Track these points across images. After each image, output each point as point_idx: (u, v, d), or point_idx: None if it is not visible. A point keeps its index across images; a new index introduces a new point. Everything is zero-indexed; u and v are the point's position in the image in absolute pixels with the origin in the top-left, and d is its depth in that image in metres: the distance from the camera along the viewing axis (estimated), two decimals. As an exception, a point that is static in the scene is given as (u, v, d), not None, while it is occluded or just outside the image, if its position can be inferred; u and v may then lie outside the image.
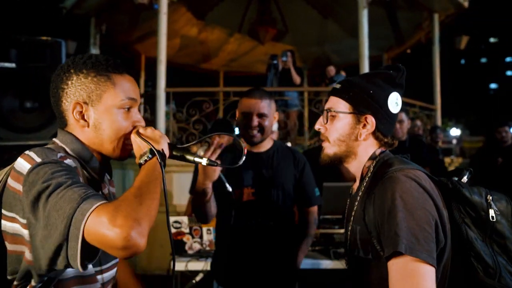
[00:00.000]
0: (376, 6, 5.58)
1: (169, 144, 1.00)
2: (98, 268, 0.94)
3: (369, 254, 1.00)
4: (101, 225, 0.73)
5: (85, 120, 0.94)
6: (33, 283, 0.84)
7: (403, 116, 3.42)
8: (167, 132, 4.99)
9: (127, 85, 0.97)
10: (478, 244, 0.98)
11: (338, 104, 1.10)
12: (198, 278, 2.49)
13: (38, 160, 0.84)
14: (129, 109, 0.97)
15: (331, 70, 6.45)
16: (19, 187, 0.83)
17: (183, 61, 8.56)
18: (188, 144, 1.11)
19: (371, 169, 1.08)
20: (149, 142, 0.93)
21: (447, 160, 6.00)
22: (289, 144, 3.67)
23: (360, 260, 1.04)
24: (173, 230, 2.44)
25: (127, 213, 0.74)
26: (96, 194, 0.80)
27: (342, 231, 2.48)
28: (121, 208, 0.75)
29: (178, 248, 2.47)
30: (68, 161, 0.88)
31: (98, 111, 0.94)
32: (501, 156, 4.22)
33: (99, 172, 0.98)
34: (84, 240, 0.75)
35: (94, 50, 6.44)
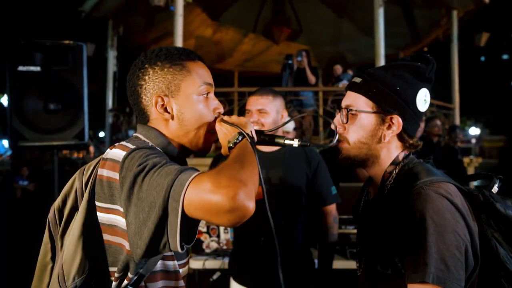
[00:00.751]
0: (392, 4, 5.52)
1: (256, 130, 0.98)
2: (178, 262, 0.92)
3: (388, 269, 0.91)
4: (203, 191, 0.68)
5: (168, 112, 0.92)
6: (129, 274, 0.81)
7: None
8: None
9: (201, 71, 0.96)
10: (510, 263, 0.88)
11: (358, 101, 0.98)
12: (215, 276, 2.52)
13: (133, 147, 0.83)
14: (207, 95, 0.96)
15: (338, 68, 6.40)
16: (115, 175, 0.80)
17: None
18: (272, 129, 1.11)
19: (393, 175, 0.97)
20: (237, 126, 0.91)
21: (466, 160, 5.87)
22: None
23: (377, 273, 0.95)
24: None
25: (230, 175, 0.70)
26: (192, 167, 0.77)
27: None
28: (223, 172, 0.71)
29: (196, 247, 2.51)
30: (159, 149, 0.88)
31: (179, 101, 0.92)
32: None
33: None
34: (184, 214, 0.71)
35: (112, 52, 6.58)
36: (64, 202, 0.93)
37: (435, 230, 0.82)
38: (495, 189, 0.97)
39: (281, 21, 7.23)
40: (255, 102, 1.77)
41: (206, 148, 0.97)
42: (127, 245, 0.79)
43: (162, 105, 0.92)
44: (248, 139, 0.89)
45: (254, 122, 1.74)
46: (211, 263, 2.43)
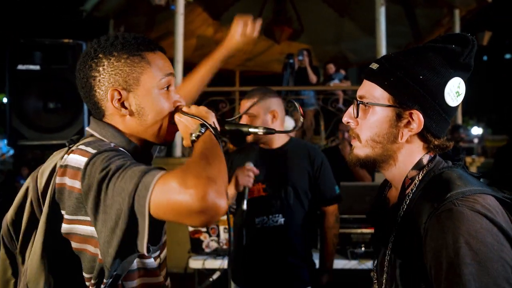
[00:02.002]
0: (394, 3, 5.49)
1: (217, 119, 0.92)
2: (153, 255, 0.89)
3: None
4: (170, 192, 0.64)
5: (126, 108, 0.86)
6: (104, 280, 0.78)
7: None
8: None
9: (161, 62, 0.88)
10: None
11: (373, 92, 0.83)
12: (215, 276, 2.51)
13: (93, 151, 0.77)
14: (168, 88, 0.89)
15: (331, 67, 6.41)
16: (76, 183, 0.76)
17: (199, 61, 8.59)
18: (235, 117, 1.09)
19: (417, 182, 0.82)
20: (198, 118, 0.85)
21: (468, 159, 5.84)
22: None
23: None
24: (190, 229, 2.47)
25: (197, 173, 0.65)
26: (157, 167, 0.72)
27: (359, 231, 2.45)
28: (190, 170, 0.66)
29: (195, 247, 2.50)
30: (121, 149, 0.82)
31: (138, 95, 0.85)
32: None
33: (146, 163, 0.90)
34: (151, 218, 0.67)
35: (113, 52, 6.58)
36: (18, 214, 0.86)
37: (473, 260, 0.66)
38: None
39: (282, 21, 7.21)
40: (243, 106, 1.77)
41: (170, 140, 0.93)
42: (99, 254, 0.76)
43: (119, 99, 0.85)
44: (212, 130, 0.83)
45: None
46: (211, 263, 2.42)
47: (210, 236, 2.54)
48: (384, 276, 0.85)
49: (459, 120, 6.27)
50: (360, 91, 0.86)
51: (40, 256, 0.79)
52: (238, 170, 1.70)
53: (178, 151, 4.66)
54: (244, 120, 1.75)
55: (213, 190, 0.64)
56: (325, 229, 1.91)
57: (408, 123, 0.81)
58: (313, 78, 5.63)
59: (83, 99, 0.90)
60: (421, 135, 0.82)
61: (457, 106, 0.83)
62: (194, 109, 0.89)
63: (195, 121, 0.86)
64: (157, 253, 0.92)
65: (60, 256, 0.80)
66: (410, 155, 0.84)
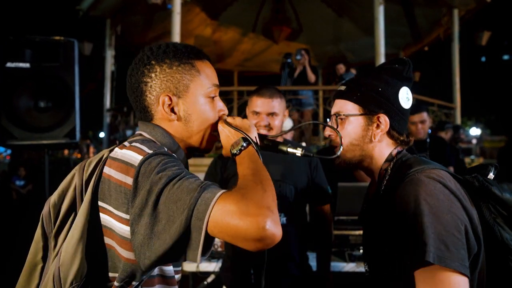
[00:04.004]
0: (392, 3, 5.46)
1: (258, 134, 0.97)
2: (174, 268, 0.90)
3: (395, 270, 0.90)
4: (230, 215, 0.67)
5: (175, 113, 0.89)
6: (134, 282, 0.79)
7: (425, 115, 3.31)
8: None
9: (209, 71, 0.93)
10: None
11: (346, 107, 1.04)
12: (209, 279, 2.46)
13: (150, 151, 0.78)
14: (213, 97, 0.93)
15: (341, 68, 6.33)
16: (126, 179, 0.76)
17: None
18: (276, 135, 1.08)
19: (389, 171, 1.00)
20: (241, 131, 0.89)
21: (466, 160, 5.82)
22: (303, 144, 3.61)
23: (384, 274, 0.95)
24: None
25: (257, 201, 0.68)
26: (213, 183, 0.75)
27: (357, 232, 2.41)
28: (249, 196, 0.69)
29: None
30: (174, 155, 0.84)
31: (187, 102, 0.89)
32: None
33: (185, 167, 0.92)
34: (206, 232, 0.69)
35: (110, 51, 6.53)
36: (61, 198, 0.87)
37: (430, 212, 0.83)
38: (490, 176, 0.97)
39: (281, 21, 7.18)
40: (267, 105, 1.72)
41: (209, 149, 0.95)
42: (125, 253, 0.77)
43: (169, 105, 0.88)
44: (254, 146, 0.87)
45: (264, 125, 1.71)
46: (206, 266, 2.37)
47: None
48: (369, 255, 1.02)
49: (458, 121, 6.25)
50: (335, 109, 1.07)
51: (77, 243, 0.79)
52: None
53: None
54: (266, 119, 1.71)
55: (272, 220, 0.67)
56: (321, 227, 1.88)
57: (378, 125, 1.01)
58: (311, 77, 5.58)
59: (132, 103, 0.93)
60: (389, 134, 1.03)
61: (410, 109, 1.04)
62: (238, 121, 0.94)
63: (238, 133, 0.89)
64: (179, 268, 0.94)
65: (95, 247, 0.80)
66: (382, 151, 1.04)
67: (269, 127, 1.71)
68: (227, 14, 7.43)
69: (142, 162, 0.76)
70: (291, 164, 1.79)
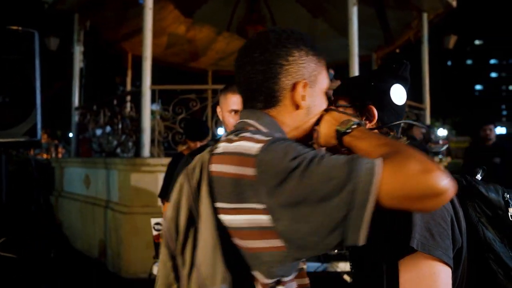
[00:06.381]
0: (366, 4, 5.55)
1: None
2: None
3: (376, 270, 0.89)
4: (413, 176, 0.62)
5: (304, 101, 0.85)
6: (285, 278, 0.74)
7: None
8: (153, 131, 4.86)
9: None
10: (497, 246, 0.90)
11: (338, 102, 1.04)
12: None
13: (267, 138, 0.73)
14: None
15: None
16: (245, 170, 0.70)
17: (171, 60, 8.40)
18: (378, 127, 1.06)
19: None
20: (347, 113, 0.89)
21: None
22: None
23: (365, 274, 0.95)
24: (154, 233, 2.33)
25: (423, 158, 0.64)
26: (358, 156, 0.69)
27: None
28: (411, 155, 0.65)
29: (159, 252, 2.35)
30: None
31: (314, 93, 0.87)
32: (486, 153, 4.24)
33: None
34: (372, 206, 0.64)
35: (78, 47, 6.26)
36: (176, 210, 0.81)
37: None
38: (478, 177, 0.99)
39: (255, 20, 7.13)
40: (232, 101, 1.65)
41: (306, 141, 0.92)
42: (263, 243, 0.71)
43: (302, 93, 0.84)
44: (362, 124, 0.84)
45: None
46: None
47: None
48: (353, 259, 1.01)
49: (428, 121, 6.45)
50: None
51: (212, 250, 0.74)
52: None
53: (146, 151, 4.47)
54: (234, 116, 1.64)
55: (446, 173, 0.64)
56: None
57: (367, 118, 0.99)
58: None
59: (248, 84, 0.86)
60: (379, 129, 1.01)
61: (404, 106, 1.03)
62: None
63: (342, 116, 0.88)
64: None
65: (230, 250, 0.74)
66: None
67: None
68: (202, 12, 7.32)
69: (263, 150, 0.70)
70: None
